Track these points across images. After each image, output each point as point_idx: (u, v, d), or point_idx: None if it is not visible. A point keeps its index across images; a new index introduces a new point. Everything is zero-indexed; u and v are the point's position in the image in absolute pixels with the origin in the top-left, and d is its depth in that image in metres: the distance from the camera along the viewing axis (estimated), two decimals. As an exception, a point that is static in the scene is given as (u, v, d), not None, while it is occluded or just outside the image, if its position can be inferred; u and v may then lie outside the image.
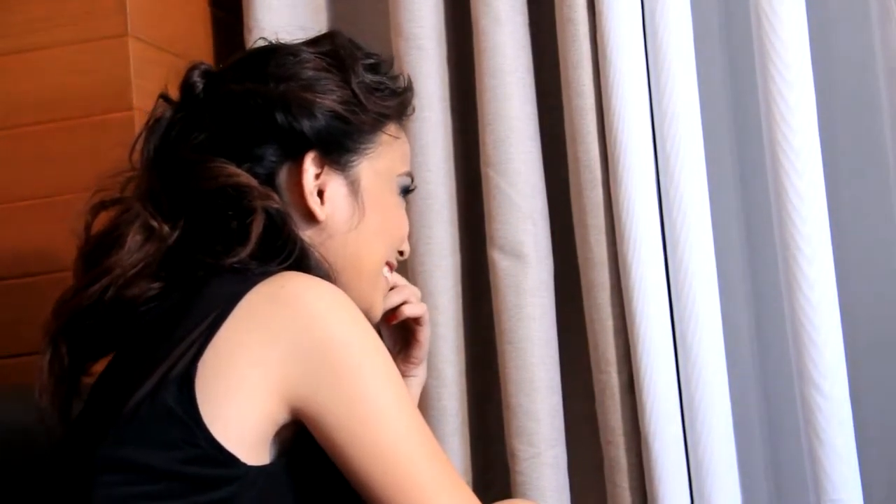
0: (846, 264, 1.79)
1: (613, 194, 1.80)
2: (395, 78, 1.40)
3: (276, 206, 1.27)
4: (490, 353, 1.88)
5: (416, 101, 1.38)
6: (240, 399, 1.15)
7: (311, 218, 1.31)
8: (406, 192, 1.42)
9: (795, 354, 1.74)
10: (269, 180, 1.30)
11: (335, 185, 1.33)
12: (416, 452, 1.17)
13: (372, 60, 1.38)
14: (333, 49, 1.36)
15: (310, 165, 1.31)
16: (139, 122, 1.41)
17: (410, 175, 1.43)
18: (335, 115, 1.32)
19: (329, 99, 1.32)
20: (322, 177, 1.32)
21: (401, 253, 1.43)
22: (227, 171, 1.27)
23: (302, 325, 1.17)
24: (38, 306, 1.36)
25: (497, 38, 1.84)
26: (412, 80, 1.81)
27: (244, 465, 1.15)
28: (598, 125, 1.82)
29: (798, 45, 1.75)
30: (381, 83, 1.37)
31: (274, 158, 1.31)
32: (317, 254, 1.29)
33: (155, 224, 1.27)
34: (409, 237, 1.84)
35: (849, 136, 1.88)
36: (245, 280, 1.21)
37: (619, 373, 1.81)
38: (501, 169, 1.83)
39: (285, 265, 1.25)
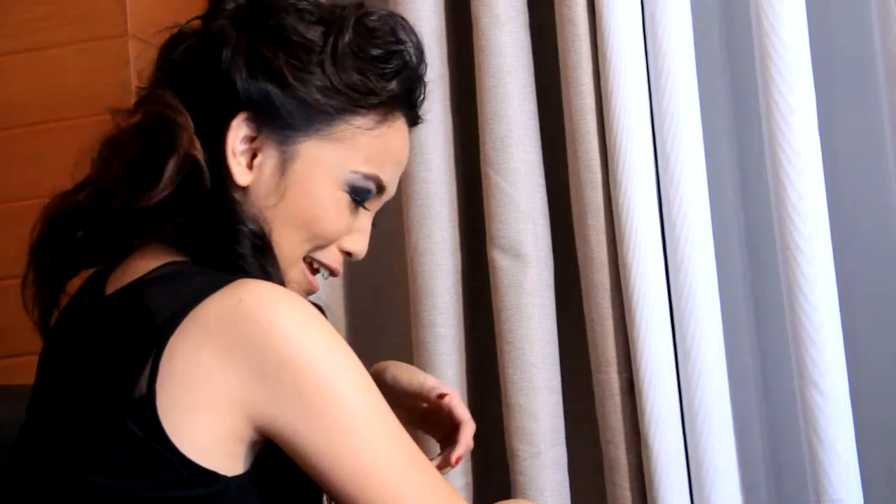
0: (846, 264, 1.79)
1: (613, 194, 1.80)
2: (395, 76, 1.26)
3: (196, 154, 1.18)
4: (490, 353, 1.88)
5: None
6: (205, 418, 1.09)
7: (234, 180, 1.21)
8: (359, 194, 1.25)
9: (795, 354, 1.74)
10: (216, 132, 1.21)
11: (267, 154, 1.22)
12: (403, 475, 1.11)
13: (374, 49, 1.25)
14: (332, 19, 1.25)
15: (239, 124, 1.21)
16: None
17: (374, 179, 1.26)
18: (284, 82, 1.22)
19: (284, 62, 1.22)
20: (257, 142, 1.22)
21: (348, 254, 1.28)
22: (164, 98, 1.22)
23: (265, 344, 1.08)
24: (37, 307, 1.36)
25: (497, 37, 1.84)
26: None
27: (224, 477, 1.10)
28: (598, 125, 1.82)
29: (798, 46, 1.75)
30: (366, 72, 1.24)
31: (217, 110, 1.22)
32: (251, 212, 1.20)
33: (125, 141, 1.23)
34: (409, 236, 1.86)
35: (849, 136, 1.88)
36: (185, 276, 1.14)
37: (620, 373, 1.81)
38: (501, 169, 1.83)
39: (212, 225, 1.18)
